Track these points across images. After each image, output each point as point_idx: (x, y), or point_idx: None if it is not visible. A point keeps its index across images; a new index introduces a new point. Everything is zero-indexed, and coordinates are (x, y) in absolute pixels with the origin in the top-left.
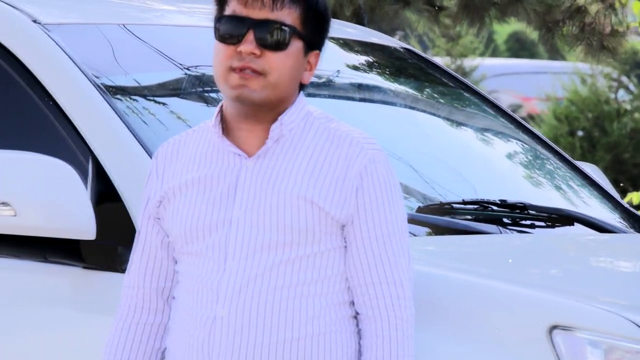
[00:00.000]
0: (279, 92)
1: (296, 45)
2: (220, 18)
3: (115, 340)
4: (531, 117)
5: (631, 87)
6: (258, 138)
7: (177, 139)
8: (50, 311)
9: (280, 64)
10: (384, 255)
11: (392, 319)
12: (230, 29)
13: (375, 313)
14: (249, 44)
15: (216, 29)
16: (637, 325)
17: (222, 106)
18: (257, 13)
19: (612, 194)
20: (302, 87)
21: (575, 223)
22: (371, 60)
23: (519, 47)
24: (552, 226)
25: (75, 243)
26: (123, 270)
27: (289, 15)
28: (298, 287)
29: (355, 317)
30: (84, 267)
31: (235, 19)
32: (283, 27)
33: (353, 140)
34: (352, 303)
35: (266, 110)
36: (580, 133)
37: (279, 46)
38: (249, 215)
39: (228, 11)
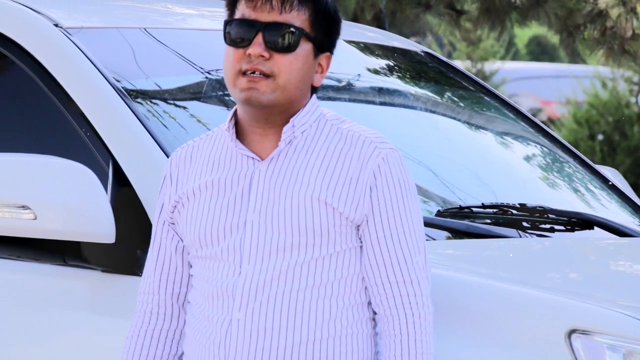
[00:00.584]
0: (288, 94)
1: (305, 48)
2: (229, 22)
3: (132, 347)
4: (551, 121)
5: None
6: (271, 141)
7: (191, 144)
8: (69, 314)
9: (289, 66)
10: (399, 254)
11: (409, 317)
12: (239, 32)
13: (393, 312)
14: (257, 47)
15: (226, 33)
16: None
17: (235, 110)
18: (266, 16)
19: (632, 197)
20: (314, 89)
21: (594, 227)
22: (392, 64)
23: (539, 51)
24: (572, 230)
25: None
26: (142, 274)
27: (297, 18)
28: (314, 289)
29: (373, 319)
30: (103, 271)
31: (245, 22)
32: (291, 29)
33: (366, 140)
34: (370, 304)
35: (277, 113)
36: (600, 137)
37: (288, 48)
38: (263, 217)
39: (237, 15)
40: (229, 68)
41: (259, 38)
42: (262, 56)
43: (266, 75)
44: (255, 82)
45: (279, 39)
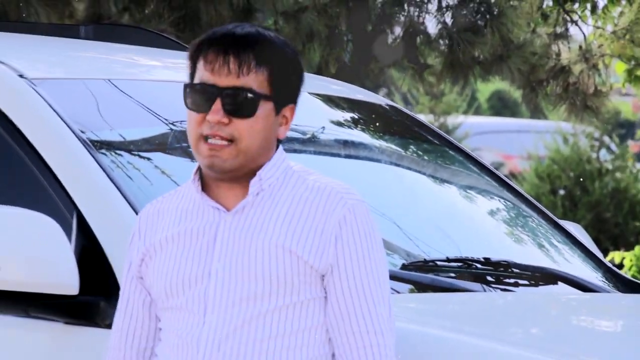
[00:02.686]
0: (251, 156)
1: (265, 108)
2: (188, 86)
3: None
4: (513, 175)
5: (612, 146)
6: (237, 192)
7: (160, 199)
8: None
9: (249, 130)
10: (364, 305)
11: None
12: (198, 97)
13: None
14: (216, 113)
15: (185, 97)
16: None
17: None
18: (224, 80)
19: (595, 253)
20: (279, 140)
21: (558, 282)
22: (356, 116)
23: (501, 106)
24: (536, 285)
25: (58, 298)
26: (105, 326)
27: (255, 80)
28: (278, 339)
29: None
30: (66, 323)
31: (203, 87)
32: (249, 94)
33: (332, 191)
34: (333, 356)
35: (241, 174)
36: (561, 192)
37: (247, 113)
38: (228, 267)
39: (197, 74)
40: (191, 132)
41: (218, 104)
42: (222, 122)
43: (227, 140)
44: (217, 150)
45: (237, 104)
